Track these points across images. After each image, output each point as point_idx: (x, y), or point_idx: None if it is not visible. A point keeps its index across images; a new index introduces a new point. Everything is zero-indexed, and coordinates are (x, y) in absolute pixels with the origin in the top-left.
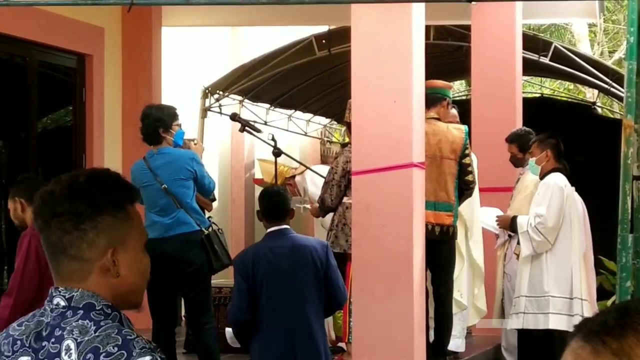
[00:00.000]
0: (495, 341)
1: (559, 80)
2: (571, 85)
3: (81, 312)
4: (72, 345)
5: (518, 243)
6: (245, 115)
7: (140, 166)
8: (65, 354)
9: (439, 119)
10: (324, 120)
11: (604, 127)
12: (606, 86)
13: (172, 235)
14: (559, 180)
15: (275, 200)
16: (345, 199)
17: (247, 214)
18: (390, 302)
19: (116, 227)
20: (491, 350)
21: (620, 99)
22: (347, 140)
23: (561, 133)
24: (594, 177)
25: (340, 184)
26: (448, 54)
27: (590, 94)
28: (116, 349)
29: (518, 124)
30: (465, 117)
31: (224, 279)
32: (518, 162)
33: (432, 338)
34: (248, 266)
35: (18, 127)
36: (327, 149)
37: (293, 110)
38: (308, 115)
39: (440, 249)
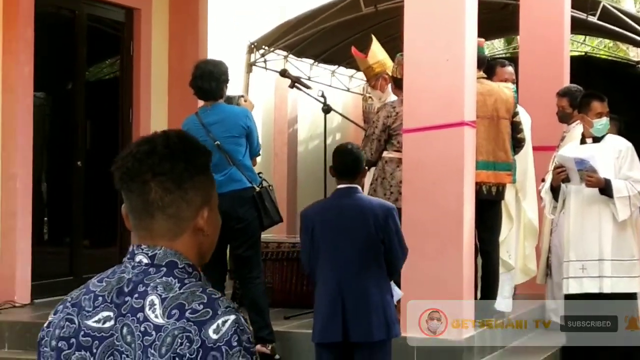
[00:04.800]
0: (539, 299)
1: (599, 39)
2: (610, 43)
3: (164, 269)
4: (157, 301)
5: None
6: (289, 70)
7: (193, 121)
8: (149, 308)
9: (486, 78)
10: None
11: None
12: None
13: (224, 192)
14: None
15: (347, 159)
16: (385, 153)
17: (289, 169)
18: (440, 261)
19: (208, 186)
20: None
21: None
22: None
23: (604, 92)
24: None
25: (380, 139)
26: (495, 11)
27: (634, 53)
28: (201, 306)
29: (565, 83)
30: None
31: (271, 234)
32: (566, 117)
33: (479, 296)
34: (310, 221)
35: (66, 80)
36: (369, 105)
37: (337, 66)
38: (351, 71)
39: (495, 208)
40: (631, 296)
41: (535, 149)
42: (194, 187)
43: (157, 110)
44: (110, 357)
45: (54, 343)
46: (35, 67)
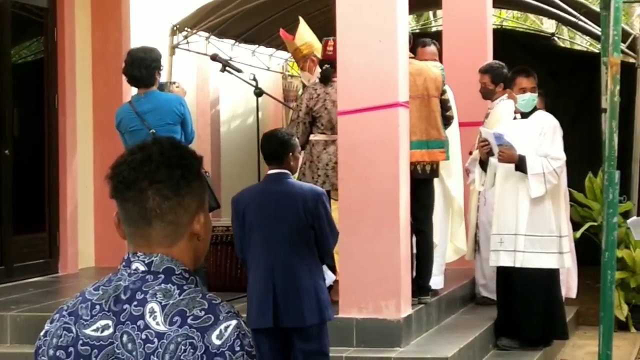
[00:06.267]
0: (469, 274)
1: (510, 11)
2: (518, 14)
3: (162, 276)
4: (157, 308)
5: None
6: (210, 51)
7: (126, 110)
8: (150, 316)
9: (413, 57)
10: (286, 55)
11: (565, 59)
12: (574, 19)
13: None
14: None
15: (271, 145)
16: (311, 136)
17: (213, 150)
18: (376, 242)
19: (202, 191)
20: (467, 284)
21: (586, 32)
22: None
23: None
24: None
25: (305, 121)
26: None
27: (548, 24)
28: (203, 312)
29: (489, 58)
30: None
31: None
32: (488, 93)
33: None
34: (240, 206)
35: None
36: (289, 83)
37: (257, 46)
38: (271, 50)
39: (429, 186)
40: (549, 272)
41: (462, 124)
42: (191, 193)
43: (82, 95)
44: None
45: (51, 352)
46: None
